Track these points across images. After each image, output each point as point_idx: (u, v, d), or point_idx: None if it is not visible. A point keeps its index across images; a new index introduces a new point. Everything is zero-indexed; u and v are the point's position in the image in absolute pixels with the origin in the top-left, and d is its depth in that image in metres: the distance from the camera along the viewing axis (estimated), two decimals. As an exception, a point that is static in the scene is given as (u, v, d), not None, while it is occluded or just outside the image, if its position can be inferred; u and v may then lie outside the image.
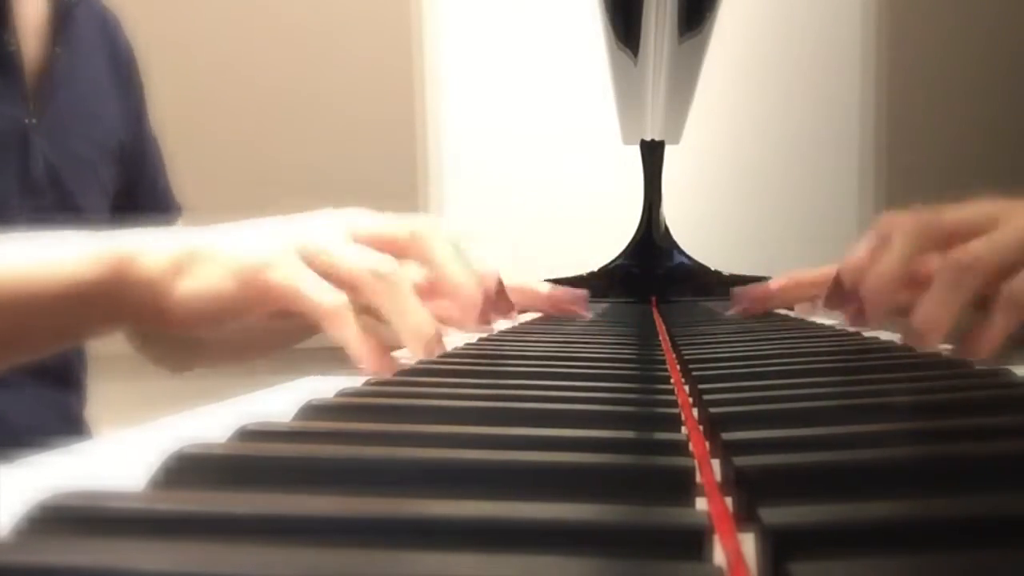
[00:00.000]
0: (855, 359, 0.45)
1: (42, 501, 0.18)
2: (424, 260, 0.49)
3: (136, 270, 0.46)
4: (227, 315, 0.47)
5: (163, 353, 0.87)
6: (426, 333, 0.46)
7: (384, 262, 0.46)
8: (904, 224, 0.48)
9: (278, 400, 0.34)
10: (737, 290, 0.73)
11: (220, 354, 0.87)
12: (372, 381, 0.38)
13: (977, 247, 0.44)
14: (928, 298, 0.45)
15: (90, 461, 0.25)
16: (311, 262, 0.46)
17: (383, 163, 1.80)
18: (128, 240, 0.47)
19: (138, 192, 0.86)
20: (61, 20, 0.76)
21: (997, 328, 0.43)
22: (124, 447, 0.26)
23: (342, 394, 0.34)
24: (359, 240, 0.47)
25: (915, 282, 0.48)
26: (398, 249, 0.48)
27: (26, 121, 0.72)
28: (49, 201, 0.73)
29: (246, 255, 0.46)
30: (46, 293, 0.46)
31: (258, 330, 0.78)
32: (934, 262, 0.47)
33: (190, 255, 0.46)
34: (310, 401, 0.31)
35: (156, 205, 0.88)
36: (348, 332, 0.44)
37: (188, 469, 0.22)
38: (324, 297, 0.44)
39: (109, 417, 0.83)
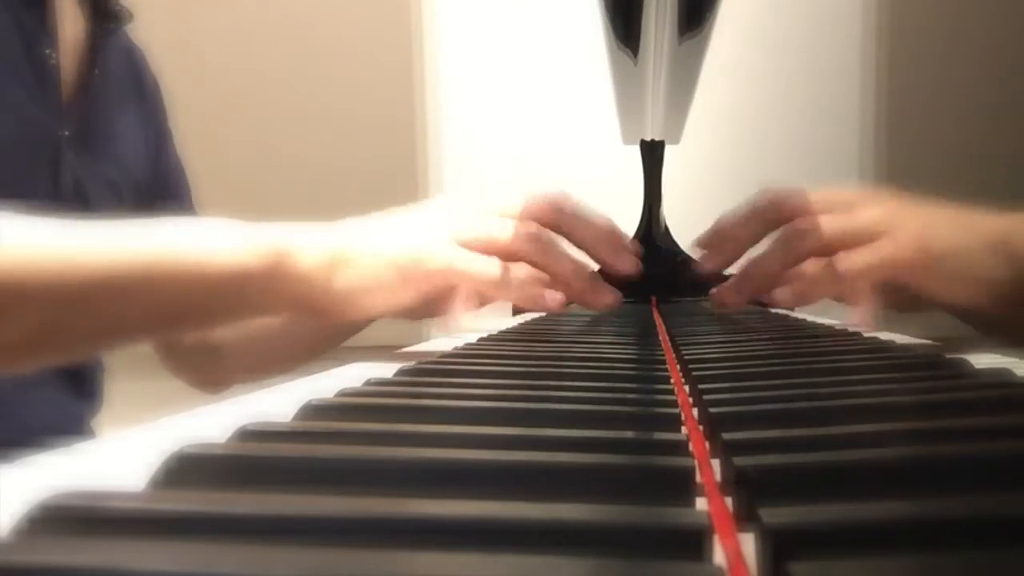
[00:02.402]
0: (855, 359, 0.45)
1: (42, 501, 0.18)
2: (569, 231, 0.57)
3: (292, 264, 0.50)
4: (389, 301, 0.52)
5: (193, 369, 0.88)
6: (583, 276, 0.55)
7: (531, 227, 0.54)
8: (797, 223, 0.55)
9: (278, 400, 0.34)
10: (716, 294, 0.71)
11: (247, 368, 0.87)
12: (372, 381, 0.38)
13: (821, 220, 0.52)
14: (763, 252, 0.55)
15: (90, 461, 0.25)
16: (466, 243, 0.53)
17: (383, 162, 1.80)
18: (284, 234, 0.51)
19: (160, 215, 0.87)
20: (97, 44, 0.78)
21: (805, 287, 0.53)
22: (124, 447, 0.26)
23: (342, 394, 0.34)
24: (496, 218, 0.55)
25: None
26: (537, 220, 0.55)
27: (60, 133, 0.73)
28: (74, 212, 0.74)
29: (401, 247, 0.52)
30: (206, 276, 0.48)
31: (286, 340, 0.80)
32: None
33: (344, 252, 0.52)
34: (310, 401, 0.31)
35: None
36: (514, 293, 0.54)
37: (188, 469, 0.22)
38: (485, 267, 0.52)
39: (110, 417, 0.83)
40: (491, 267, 0.53)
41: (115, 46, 0.82)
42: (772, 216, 0.57)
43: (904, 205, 0.54)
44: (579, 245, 0.58)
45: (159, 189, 0.87)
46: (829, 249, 0.52)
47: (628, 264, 0.58)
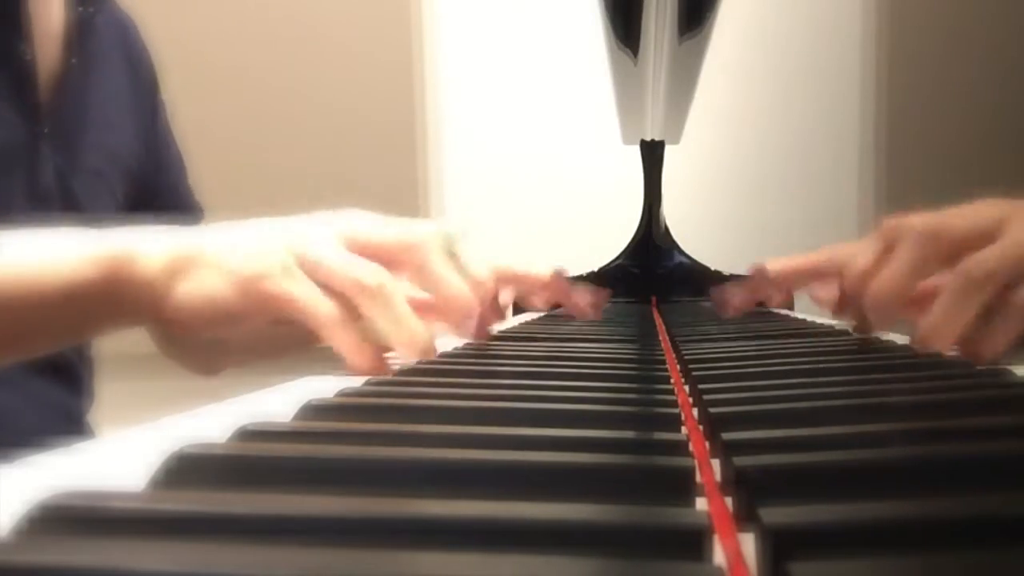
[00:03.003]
0: (855, 359, 0.45)
1: (42, 501, 0.18)
2: (418, 271, 0.49)
3: (132, 271, 0.46)
4: (225, 320, 0.46)
5: (189, 356, 0.87)
6: (420, 342, 0.46)
7: (377, 273, 0.45)
8: (910, 232, 0.47)
9: (278, 400, 0.34)
10: (718, 294, 0.67)
11: (244, 354, 0.86)
12: (372, 381, 0.38)
13: (987, 258, 0.43)
14: (938, 307, 0.44)
15: (90, 461, 0.25)
16: (308, 271, 0.45)
17: (383, 163, 1.80)
18: (125, 240, 0.47)
19: (158, 197, 0.86)
20: (78, 30, 0.76)
21: (1001, 335, 0.43)
22: (124, 447, 0.26)
23: (342, 394, 0.34)
24: (354, 248, 0.47)
25: (920, 293, 0.47)
26: (392, 258, 0.48)
27: (37, 130, 0.72)
28: (57, 210, 0.73)
29: (244, 262, 0.45)
30: (44, 292, 0.45)
31: (274, 331, 0.79)
32: (938, 272, 0.46)
33: (188, 258, 0.46)
34: (310, 401, 0.31)
35: (177, 208, 0.87)
36: (344, 341, 0.45)
37: (188, 469, 0.22)
38: (320, 307, 0.44)
39: (109, 417, 0.83)
40: (326, 307, 0.45)
41: (102, 22, 0.79)
42: (930, 255, 0.46)
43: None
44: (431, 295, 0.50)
45: (152, 165, 0.85)
46: (1004, 289, 0.43)
47: (465, 332, 0.53)
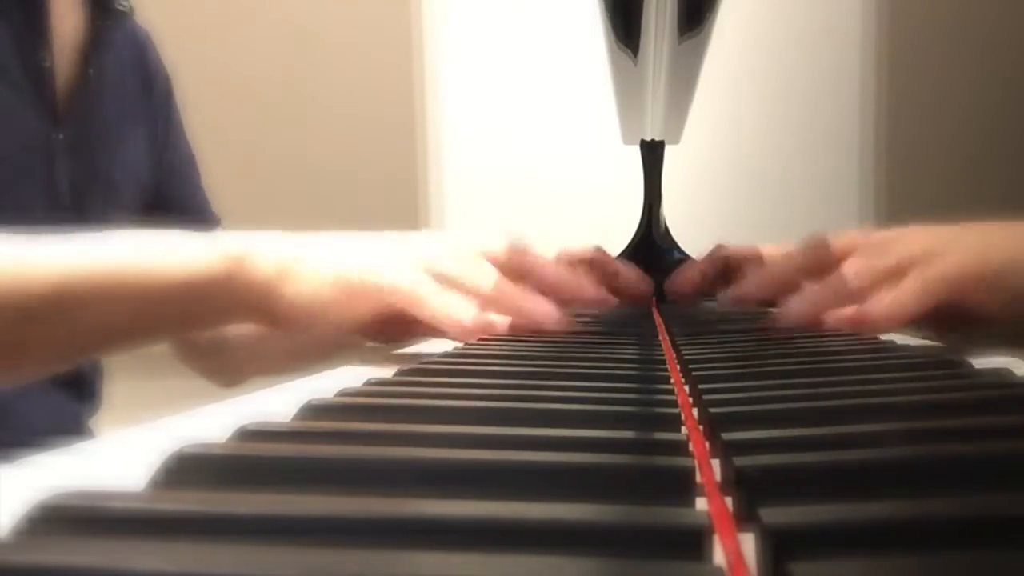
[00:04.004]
0: (855, 359, 0.45)
1: (42, 501, 0.18)
2: (526, 273, 0.55)
3: (249, 270, 0.50)
4: (340, 317, 0.51)
5: (208, 365, 0.88)
6: (549, 311, 0.53)
7: (492, 274, 0.53)
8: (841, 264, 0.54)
9: (278, 400, 0.34)
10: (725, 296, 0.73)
11: (263, 364, 0.87)
12: (372, 381, 0.38)
13: (872, 261, 0.52)
14: (814, 290, 0.53)
15: (90, 461, 0.25)
16: (435, 276, 0.51)
17: (383, 163, 1.80)
18: (242, 242, 0.51)
19: (172, 207, 0.87)
20: (96, 43, 0.77)
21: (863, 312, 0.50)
22: (124, 447, 0.26)
23: (342, 394, 0.34)
24: (468, 260, 0.53)
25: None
26: (498, 264, 0.54)
27: (54, 136, 0.73)
28: (71, 217, 0.74)
29: (359, 261, 0.51)
30: (166, 287, 0.49)
31: (309, 341, 0.80)
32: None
33: (297, 259, 0.51)
34: (310, 401, 0.31)
35: (192, 217, 0.88)
36: (467, 330, 0.50)
37: (188, 469, 0.22)
38: (442, 300, 0.50)
39: (109, 417, 0.83)
40: (450, 300, 0.51)
41: (120, 38, 0.80)
42: (821, 257, 0.56)
43: (954, 229, 0.52)
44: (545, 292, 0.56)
45: (166, 181, 0.86)
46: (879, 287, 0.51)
47: (591, 295, 0.58)
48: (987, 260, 0.49)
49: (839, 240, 0.56)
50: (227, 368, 0.88)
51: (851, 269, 0.52)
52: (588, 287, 0.58)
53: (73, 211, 0.74)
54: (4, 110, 0.70)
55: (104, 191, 0.78)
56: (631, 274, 0.77)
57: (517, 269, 0.55)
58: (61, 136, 0.73)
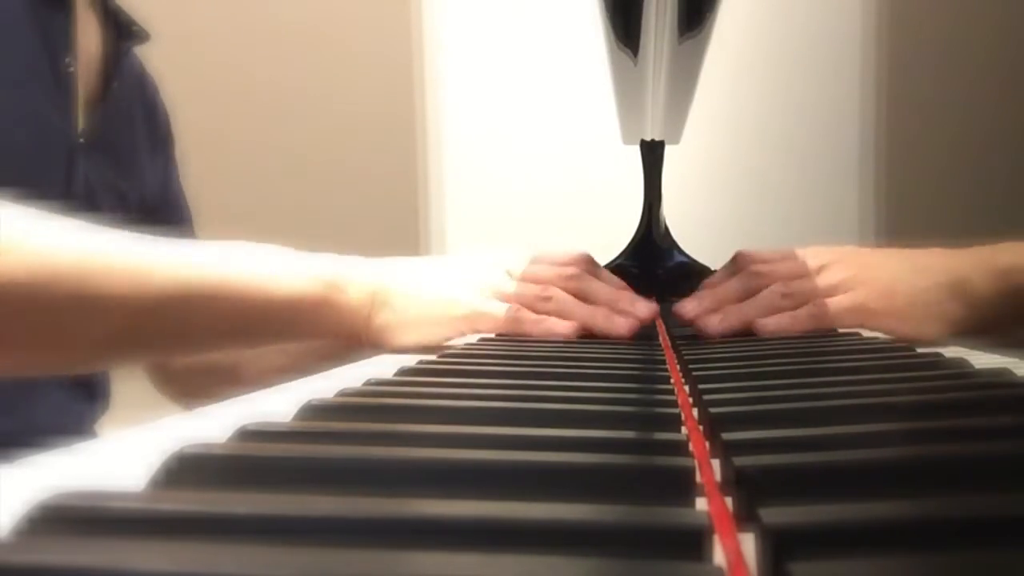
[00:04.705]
0: (855, 359, 0.45)
1: (42, 501, 0.18)
2: (581, 292, 0.61)
3: (342, 296, 0.56)
4: (421, 341, 0.57)
5: (183, 389, 0.88)
6: (599, 315, 0.58)
7: (551, 287, 0.59)
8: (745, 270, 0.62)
9: (278, 400, 0.34)
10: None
11: (249, 378, 0.87)
12: (372, 381, 0.38)
13: (798, 283, 0.59)
14: (741, 305, 0.59)
15: (90, 461, 0.25)
16: (496, 295, 0.59)
17: (383, 163, 1.80)
18: (338, 267, 0.57)
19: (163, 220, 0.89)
20: (114, 60, 0.81)
21: (786, 321, 0.57)
22: (124, 447, 0.26)
23: (342, 394, 0.34)
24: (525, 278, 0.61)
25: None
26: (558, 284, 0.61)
27: (75, 141, 0.75)
28: (83, 220, 0.76)
29: (439, 292, 0.59)
30: (267, 300, 0.53)
31: (295, 354, 0.82)
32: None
33: (388, 288, 0.58)
34: (310, 401, 0.31)
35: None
36: (534, 328, 0.57)
37: (188, 469, 0.22)
38: (506, 313, 0.57)
39: (110, 417, 0.83)
40: (511, 311, 0.58)
41: (129, 72, 0.84)
42: (753, 280, 0.62)
43: (871, 259, 0.60)
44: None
45: (164, 212, 0.88)
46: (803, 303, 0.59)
47: (625, 327, 0.60)
48: (894, 296, 0.57)
49: (772, 264, 0.62)
50: (203, 393, 0.88)
51: (765, 295, 0.59)
52: (641, 304, 0.62)
53: (86, 215, 0.76)
54: (31, 108, 0.72)
55: (115, 199, 0.80)
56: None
57: (576, 291, 0.61)
58: (81, 140, 0.75)
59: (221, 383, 0.86)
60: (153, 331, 0.52)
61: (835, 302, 0.57)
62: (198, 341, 0.57)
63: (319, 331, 0.58)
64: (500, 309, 0.58)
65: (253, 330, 0.56)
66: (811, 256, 0.61)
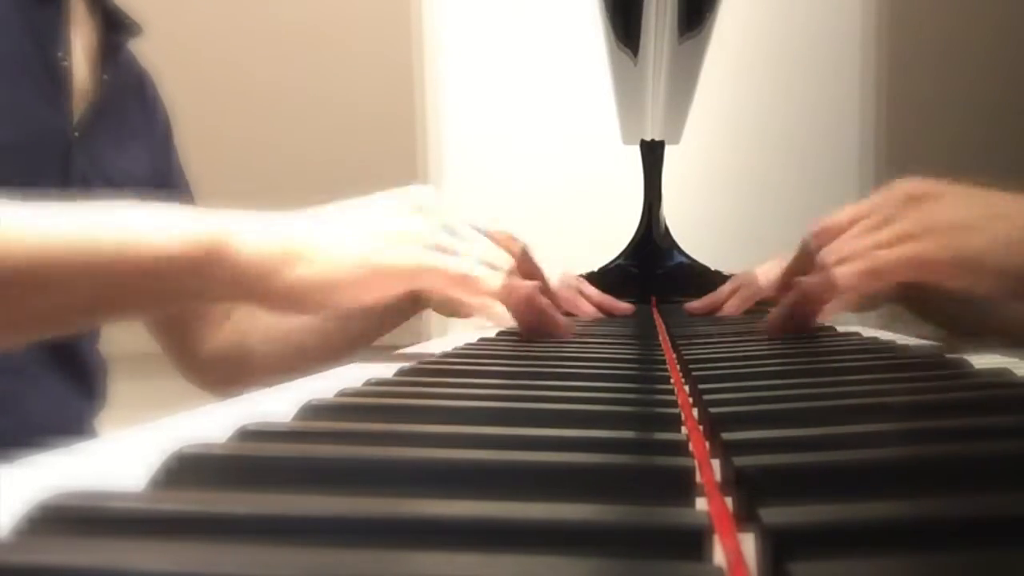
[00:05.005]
0: (854, 359, 0.45)
1: (42, 501, 0.18)
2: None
3: (233, 252, 0.49)
4: (360, 298, 0.51)
5: (212, 376, 0.88)
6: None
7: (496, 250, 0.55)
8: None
9: (278, 400, 0.34)
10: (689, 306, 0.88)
11: (269, 368, 0.87)
12: (372, 381, 0.38)
13: (853, 240, 0.55)
14: (804, 283, 0.56)
15: (90, 461, 0.25)
16: (427, 240, 0.53)
17: (383, 163, 1.80)
18: (232, 222, 0.50)
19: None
20: (108, 54, 0.80)
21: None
22: (124, 447, 0.26)
23: (342, 394, 0.34)
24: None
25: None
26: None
27: (69, 134, 0.75)
28: None
29: (367, 243, 0.52)
30: (139, 261, 0.48)
31: (315, 340, 0.81)
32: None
33: (302, 243, 0.51)
34: (310, 401, 0.31)
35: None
36: (499, 291, 0.53)
37: (188, 469, 0.22)
38: (456, 265, 0.52)
39: (110, 417, 0.83)
40: (462, 264, 0.53)
41: (124, 66, 0.84)
42: (811, 248, 0.59)
43: (933, 206, 0.54)
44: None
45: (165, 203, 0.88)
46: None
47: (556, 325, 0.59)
48: (958, 248, 0.51)
49: (833, 220, 0.58)
50: (233, 378, 0.88)
51: (828, 252, 0.56)
52: (584, 304, 0.62)
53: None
54: (24, 101, 0.72)
55: (112, 193, 0.80)
56: (604, 298, 0.85)
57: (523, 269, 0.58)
58: (76, 133, 0.76)
59: (243, 373, 0.86)
60: (14, 303, 0.47)
61: (890, 253, 0.52)
62: (65, 313, 0.51)
63: (203, 293, 0.52)
64: (454, 262, 0.53)
65: (127, 295, 0.51)
66: (881, 204, 0.56)
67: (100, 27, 0.81)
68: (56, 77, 0.74)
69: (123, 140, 0.82)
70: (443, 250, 0.53)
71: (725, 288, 0.85)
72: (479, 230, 0.57)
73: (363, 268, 0.51)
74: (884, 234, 0.53)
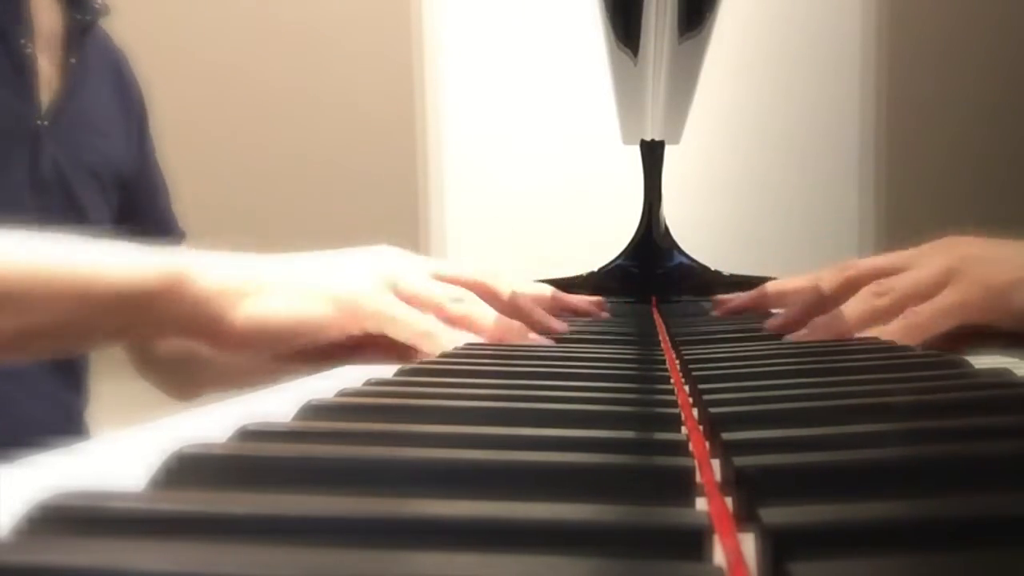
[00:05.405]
0: (855, 359, 0.45)
1: (42, 501, 0.18)
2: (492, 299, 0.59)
3: (188, 288, 0.49)
4: (296, 341, 0.52)
5: (166, 378, 0.88)
6: (514, 327, 0.56)
7: (451, 293, 0.56)
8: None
9: (278, 400, 0.34)
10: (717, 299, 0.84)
11: (224, 379, 0.86)
12: (372, 381, 0.38)
13: (892, 280, 0.56)
14: (841, 309, 0.57)
15: (90, 461, 0.25)
16: (401, 294, 0.54)
17: (384, 164, 1.80)
18: (191, 259, 0.51)
19: (143, 216, 0.89)
20: (75, 36, 0.79)
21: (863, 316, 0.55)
22: (124, 447, 0.26)
23: (342, 394, 0.34)
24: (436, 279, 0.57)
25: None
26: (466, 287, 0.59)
27: (38, 123, 0.75)
28: (56, 202, 0.76)
29: (336, 283, 0.53)
30: (101, 295, 0.48)
31: (257, 361, 0.80)
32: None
33: (260, 280, 0.51)
34: (310, 401, 0.31)
35: (160, 230, 0.90)
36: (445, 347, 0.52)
37: (188, 469, 0.22)
38: (417, 320, 0.53)
39: (109, 417, 0.83)
40: (424, 320, 0.54)
41: (96, 46, 0.83)
42: (850, 279, 0.60)
43: (964, 249, 0.56)
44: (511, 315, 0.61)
45: (141, 184, 0.88)
46: (900, 307, 0.55)
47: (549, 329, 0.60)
48: (991, 285, 0.53)
49: (853, 270, 0.60)
50: (185, 384, 0.87)
51: (852, 307, 0.56)
52: (552, 320, 0.61)
53: (60, 199, 0.76)
54: None
55: (88, 180, 0.80)
56: (582, 301, 0.82)
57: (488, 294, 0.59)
58: (45, 123, 0.75)
59: (194, 383, 0.86)
60: None
61: (931, 305, 0.53)
62: (25, 342, 0.50)
63: (162, 327, 0.52)
64: (416, 317, 0.54)
65: (87, 327, 0.50)
66: (905, 256, 0.58)
67: (65, 10, 0.79)
68: (20, 65, 0.73)
69: (97, 123, 0.81)
70: (407, 301, 0.54)
71: (794, 311, 0.70)
72: (461, 278, 0.59)
73: (330, 305, 0.52)
74: (918, 277, 0.55)
